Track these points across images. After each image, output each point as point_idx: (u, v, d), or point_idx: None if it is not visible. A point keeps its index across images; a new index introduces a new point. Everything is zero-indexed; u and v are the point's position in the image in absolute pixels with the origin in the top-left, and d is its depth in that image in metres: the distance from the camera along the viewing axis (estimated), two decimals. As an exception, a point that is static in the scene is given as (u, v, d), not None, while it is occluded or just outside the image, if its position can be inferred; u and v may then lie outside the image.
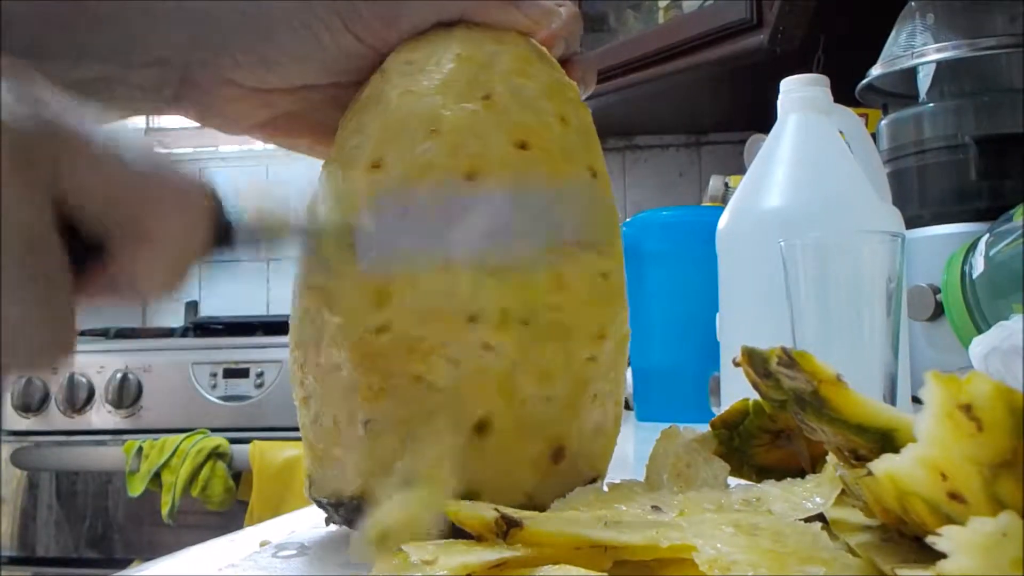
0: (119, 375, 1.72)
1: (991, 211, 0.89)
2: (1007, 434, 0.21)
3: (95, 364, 1.74)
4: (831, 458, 0.32)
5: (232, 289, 2.34)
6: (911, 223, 0.94)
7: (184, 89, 0.38)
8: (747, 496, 0.33)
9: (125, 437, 1.69)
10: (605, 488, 0.36)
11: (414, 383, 0.34)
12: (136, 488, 1.62)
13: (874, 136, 1.03)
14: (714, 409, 0.87)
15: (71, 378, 1.72)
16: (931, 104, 1.04)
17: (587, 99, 0.42)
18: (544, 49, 0.41)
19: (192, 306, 2.33)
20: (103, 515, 1.70)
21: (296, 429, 0.40)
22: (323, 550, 0.37)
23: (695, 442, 0.39)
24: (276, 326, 1.85)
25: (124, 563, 1.56)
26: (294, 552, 0.36)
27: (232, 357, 1.74)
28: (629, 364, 1.13)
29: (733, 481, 0.39)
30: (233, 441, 1.64)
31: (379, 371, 0.34)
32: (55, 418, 1.73)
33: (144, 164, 0.28)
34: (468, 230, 0.35)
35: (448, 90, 0.37)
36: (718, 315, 0.82)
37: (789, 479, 0.35)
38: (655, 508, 0.31)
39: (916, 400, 0.65)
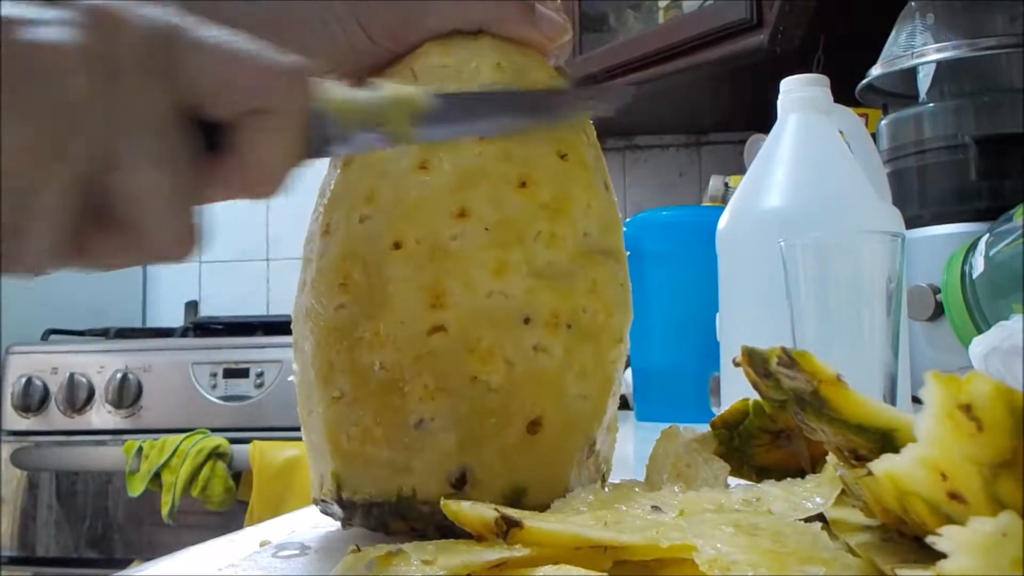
0: (119, 375, 1.72)
1: (991, 211, 0.89)
2: (1007, 434, 0.21)
3: (95, 364, 1.74)
4: (831, 458, 0.32)
5: (232, 289, 2.33)
6: (911, 223, 0.94)
7: None
8: (747, 496, 0.33)
9: (125, 437, 1.68)
10: (605, 488, 0.37)
11: (471, 383, 0.35)
12: (136, 488, 1.62)
13: (874, 136, 1.03)
14: (714, 409, 0.87)
15: (71, 378, 1.72)
16: (931, 104, 1.04)
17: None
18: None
19: (192, 306, 2.33)
20: (103, 515, 1.70)
21: (296, 429, 0.40)
22: (323, 550, 0.37)
23: (695, 442, 0.39)
24: (276, 326, 1.84)
25: (124, 563, 1.56)
26: (294, 552, 0.36)
27: (232, 357, 1.73)
28: (629, 364, 1.13)
29: (733, 481, 0.39)
30: (233, 441, 1.64)
31: (434, 371, 0.35)
32: (55, 418, 1.73)
33: (260, 52, 0.31)
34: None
35: None
36: (718, 315, 0.82)
37: (789, 479, 0.35)
38: (655, 508, 0.31)
39: (916, 400, 0.65)
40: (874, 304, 0.51)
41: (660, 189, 2.04)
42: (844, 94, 0.89)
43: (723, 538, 0.26)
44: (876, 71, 1.07)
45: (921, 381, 0.22)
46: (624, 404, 1.17)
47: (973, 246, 0.84)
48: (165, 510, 1.58)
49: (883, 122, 1.09)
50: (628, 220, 1.13)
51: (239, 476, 1.64)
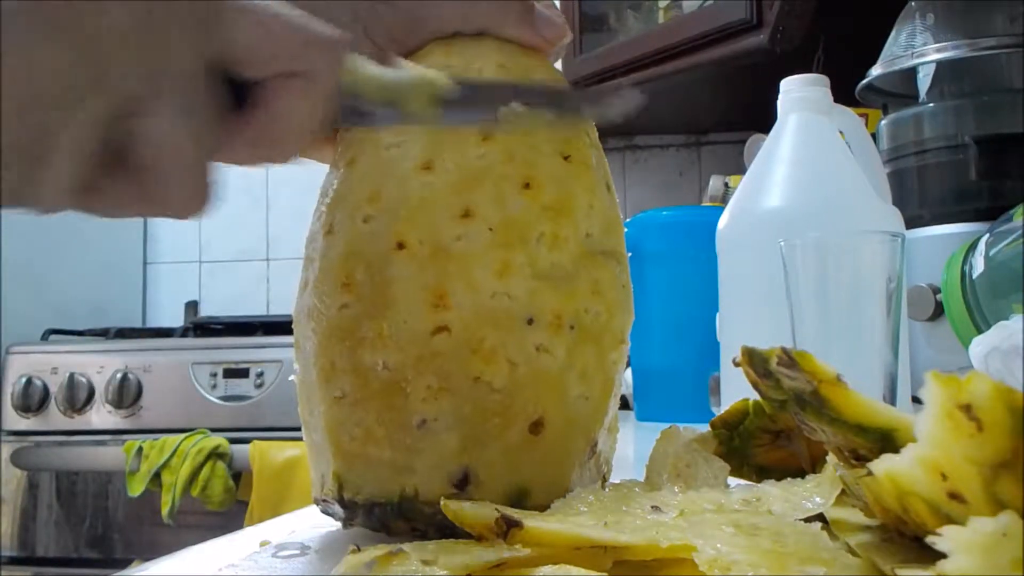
0: (119, 375, 1.72)
1: (991, 211, 0.89)
2: (1007, 434, 0.21)
3: (95, 364, 1.74)
4: (831, 458, 0.32)
5: (232, 289, 2.33)
6: (911, 223, 0.94)
7: None
8: (747, 496, 0.33)
9: (125, 437, 1.68)
10: (605, 489, 0.37)
11: (473, 384, 0.35)
12: (136, 488, 1.62)
13: (874, 136, 1.03)
14: (714, 409, 0.87)
15: (71, 378, 1.72)
16: (931, 104, 1.04)
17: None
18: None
19: (192, 306, 2.33)
20: (103, 515, 1.70)
21: (296, 429, 0.40)
22: (323, 550, 0.37)
23: (695, 442, 0.39)
24: (276, 326, 1.84)
25: (124, 563, 1.56)
26: (294, 552, 0.36)
27: (232, 357, 1.73)
28: (629, 364, 1.13)
29: (733, 481, 0.39)
30: (233, 441, 1.64)
31: (437, 372, 0.35)
32: (55, 418, 1.73)
33: (301, 18, 0.32)
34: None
35: None
36: (718, 315, 0.82)
37: (789, 479, 0.35)
38: (655, 508, 0.31)
39: (916, 400, 0.65)
40: (874, 304, 0.51)
41: (660, 189, 2.03)
42: (844, 94, 0.89)
43: (723, 538, 0.26)
44: (876, 71, 1.07)
45: (921, 381, 0.22)
46: (624, 404, 1.17)
47: (973, 246, 0.84)
48: (165, 510, 1.58)
49: (883, 122, 1.09)
50: (628, 220, 1.13)
51: (239, 476, 1.64)
